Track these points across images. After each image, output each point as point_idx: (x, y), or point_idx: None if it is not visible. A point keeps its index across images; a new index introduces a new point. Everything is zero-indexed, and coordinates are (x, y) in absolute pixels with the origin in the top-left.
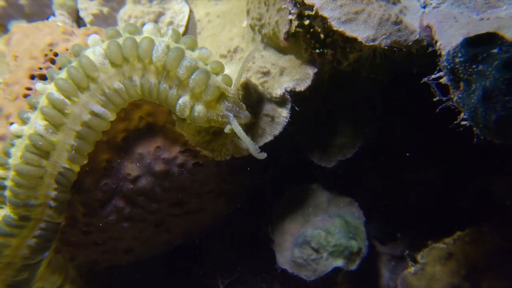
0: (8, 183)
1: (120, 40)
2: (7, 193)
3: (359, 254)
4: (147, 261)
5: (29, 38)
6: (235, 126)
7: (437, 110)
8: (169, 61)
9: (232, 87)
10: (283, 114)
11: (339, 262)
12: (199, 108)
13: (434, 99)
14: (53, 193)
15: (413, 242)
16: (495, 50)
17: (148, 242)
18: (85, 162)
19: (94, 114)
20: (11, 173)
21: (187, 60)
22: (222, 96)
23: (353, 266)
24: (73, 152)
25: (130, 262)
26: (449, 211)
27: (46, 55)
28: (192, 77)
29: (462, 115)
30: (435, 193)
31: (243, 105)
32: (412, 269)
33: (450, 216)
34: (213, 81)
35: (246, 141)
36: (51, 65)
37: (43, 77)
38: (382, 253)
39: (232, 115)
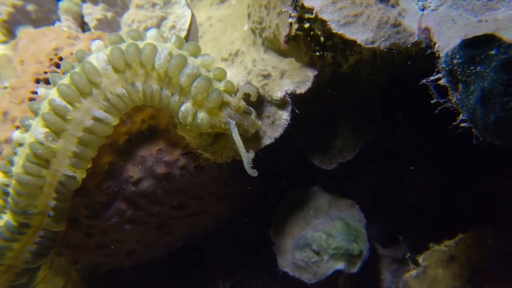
0: (10, 190)
1: (123, 46)
2: (9, 200)
3: (360, 257)
4: (148, 264)
5: (35, 43)
6: (235, 135)
7: (436, 111)
8: (171, 68)
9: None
10: (284, 116)
11: (340, 265)
12: (202, 115)
13: (432, 101)
14: (53, 203)
15: (415, 244)
16: (492, 52)
17: (150, 244)
18: (89, 166)
19: (96, 119)
20: (13, 181)
21: (189, 67)
22: (224, 103)
23: (354, 269)
24: (76, 158)
25: (132, 265)
26: (451, 213)
27: (51, 59)
28: (194, 84)
29: (461, 116)
30: (436, 195)
31: (250, 110)
32: (413, 272)
33: (451, 218)
34: (215, 88)
35: (242, 153)
36: (56, 69)
37: (48, 81)
38: (383, 256)
39: (234, 122)
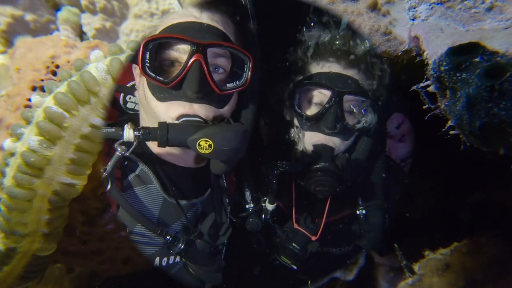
0: (1, 207)
1: (122, 57)
2: (0, 218)
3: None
4: (146, 272)
5: (32, 52)
6: None
7: (426, 118)
8: None
9: None
10: None
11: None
12: None
13: (424, 107)
14: (46, 217)
15: (411, 252)
16: (477, 59)
17: None
18: (89, 172)
19: (94, 126)
20: (3, 195)
21: None
22: None
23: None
24: (74, 164)
25: (129, 275)
26: (447, 221)
27: (48, 67)
28: None
29: (449, 123)
30: (432, 203)
31: None
32: (409, 280)
33: (448, 226)
34: None
35: None
36: (52, 77)
37: (44, 89)
38: (380, 264)
39: None
